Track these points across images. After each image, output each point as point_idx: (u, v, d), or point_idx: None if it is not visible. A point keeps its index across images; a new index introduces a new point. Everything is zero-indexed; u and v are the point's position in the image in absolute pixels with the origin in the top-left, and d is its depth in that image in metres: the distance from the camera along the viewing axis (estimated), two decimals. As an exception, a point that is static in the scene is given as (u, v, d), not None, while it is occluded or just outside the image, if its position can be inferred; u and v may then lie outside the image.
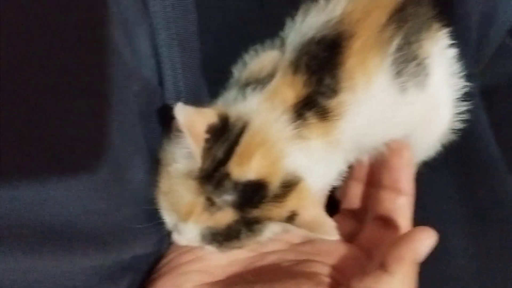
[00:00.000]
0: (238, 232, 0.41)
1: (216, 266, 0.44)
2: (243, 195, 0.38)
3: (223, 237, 0.41)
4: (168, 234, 0.44)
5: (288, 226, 0.40)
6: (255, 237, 0.41)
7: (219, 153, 0.39)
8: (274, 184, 0.39)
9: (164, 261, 0.45)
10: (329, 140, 0.41)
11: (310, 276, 0.40)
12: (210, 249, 0.43)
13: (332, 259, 0.43)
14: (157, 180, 0.42)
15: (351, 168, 0.49)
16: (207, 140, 0.38)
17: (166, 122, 0.42)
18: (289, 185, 0.40)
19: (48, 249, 0.32)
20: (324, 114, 0.41)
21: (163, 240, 0.45)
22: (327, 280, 0.39)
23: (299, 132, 0.41)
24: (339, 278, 0.41)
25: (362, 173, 0.48)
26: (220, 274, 0.43)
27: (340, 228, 0.39)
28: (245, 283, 0.41)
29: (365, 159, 0.47)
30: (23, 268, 0.32)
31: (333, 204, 0.49)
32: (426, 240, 0.39)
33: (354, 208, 0.48)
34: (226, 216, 0.39)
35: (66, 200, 0.33)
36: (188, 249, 0.45)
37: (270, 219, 0.40)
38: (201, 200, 0.39)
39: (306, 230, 0.40)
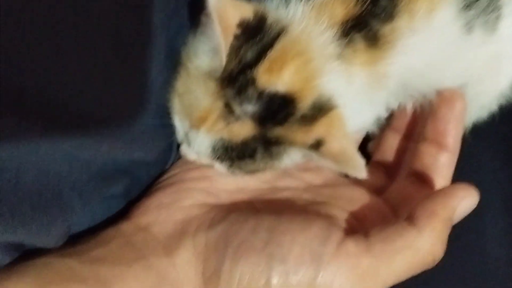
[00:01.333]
0: (254, 151, 0.36)
1: (222, 189, 0.39)
2: (267, 107, 0.34)
3: (236, 154, 0.36)
4: (175, 144, 0.39)
5: (311, 154, 0.35)
6: (271, 161, 0.36)
7: (248, 54, 0.34)
8: (304, 104, 0.34)
9: (167, 174, 0.40)
10: (374, 71, 0.36)
11: (324, 217, 0.35)
12: (220, 168, 0.38)
13: (353, 206, 0.38)
14: (174, 79, 0.37)
15: (390, 117, 0.44)
16: (237, 37, 0.34)
17: (196, 17, 0.37)
18: (320, 109, 0.34)
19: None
20: (373, 40, 0.35)
21: (167, 154, 0.40)
22: (342, 224, 0.35)
23: (342, 53, 0.36)
24: (356, 226, 0.36)
25: (402, 123, 0.43)
26: (225, 198, 0.39)
27: (368, 180, 0.35)
28: (250, 210, 0.36)
29: (409, 107, 0.41)
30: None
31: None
32: (466, 199, 0.34)
33: (387, 161, 0.43)
34: (243, 129, 0.34)
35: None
36: (196, 166, 0.40)
37: (292, 142, 0.35)
38: (219, 106, 0.34)
39: (330, 162, 0.34)
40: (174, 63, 0.38)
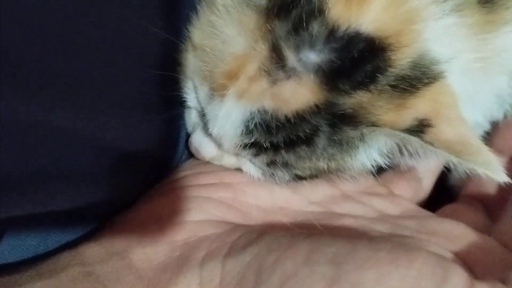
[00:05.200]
0: (314, 131, 0.23)
1: (251, 205, 0.26)
2: (343, 57, 0.22)
3: (284, 136, 0.23)
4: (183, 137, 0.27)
5: (409, 141, 0.23)
6: (339, 154, 0.24)
7: None
8: (401, 57, 0.22)
9: (167, 180, 0.27)
10: (486, 40, 0.26)
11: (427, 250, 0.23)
12: (251, 170, 0.26)
13: (456, 244, 0.26)
14: (188, 28, 0.25)
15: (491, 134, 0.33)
16: None
17: None
18: (424, 74, 0.23)
19: None
20: None
21: (170, 150, 0.28)
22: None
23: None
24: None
25: (509, 141, 0.32)
26: (256, 217, 0.26)
27: (463, 221, 0.27)
28: (297, 234, 0.23)
29: None
30: None
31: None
32: None
33: (487, 194, 0.32)
34: (300, 93, 0.22)
35: None
36: (212, 169, 0.27)
37: (379, 121, 0.22)
38: (261, 51, 0.22)
39: (445, 152, 0.22)
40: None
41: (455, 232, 0.27)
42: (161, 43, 0.24)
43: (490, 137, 0.33)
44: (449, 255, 0.24)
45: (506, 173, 0.22)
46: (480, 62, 0.26)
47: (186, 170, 0.27)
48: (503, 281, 0.22)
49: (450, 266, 0.21)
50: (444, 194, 0.35)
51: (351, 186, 0.29)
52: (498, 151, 0.32)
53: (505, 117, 0.32)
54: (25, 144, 0.19)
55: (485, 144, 0.32)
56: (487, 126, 0.32)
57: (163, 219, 0.24)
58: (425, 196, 0.32)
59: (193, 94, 0.25)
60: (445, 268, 0.21)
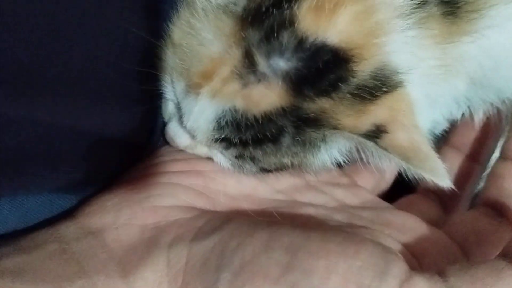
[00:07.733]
0: (280, 131, 0.24)
1: (219, 192, 0.28)
2: (309, 65, 0.23)
3: (252, 134, 0.25)
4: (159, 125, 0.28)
5: (365, 145, 0.25)
6: (302, 153, 0.26)
7: None
8: (364, 68, 0.24)
9: (141, 165, 0.28)
10: (448, 49, 0.27)
11: (375, 242, 0.24)
12: (221, 161, 0.28)
13: (406, 236, 0.27)
14: (169, 25, 0.26)
15: (449, 132, 0.34)
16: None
17: None
18: (384, 84, 0.24)
19: None
20: (453, 5, 0.26)
21: (147, 136, 0.29)
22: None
23: (413, 13, 0.25)
24: (414, 263, 0.26)
25: (465, 139, 0.34)
26: (224, 204, 0.27)
27: (418, 213, 0.29)
28: (260, 221, 0.24)
29: (478, 118, 0.33)
30: None
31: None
32: None
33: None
34: (268, 96, 0.24)
35: None
36: (186, 157, 0.28)
37: (339, 125, 0.24)
38: (234, 56, 0.24)
39: (397, 157, 0.24)
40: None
41: (407, 224, 0.28)
42: (142, 40, 0.25)
43: (448, 135, 0.36)
44: (398, 246, 0.26)
45: (450, 180, 0.24)
46: (441, 69, 0.27)
47: (161, 157, 0.29)
48: (440, 273, 0.23)
49: (392, 258, 0.22)
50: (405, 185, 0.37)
51: (316, 176, 0.31)
52: (455, 148, 0.35)
53: (463, 116, 0.34)
54: (7, 135, 0.21)
55: (444, 141, 0.35)
56: (446, 125, 0.34)
57: (135, 202, 0.25)
58: (387, 187, 0.34)
59: (170, 87, 0.27)
60: (387, 260, 0.22)
